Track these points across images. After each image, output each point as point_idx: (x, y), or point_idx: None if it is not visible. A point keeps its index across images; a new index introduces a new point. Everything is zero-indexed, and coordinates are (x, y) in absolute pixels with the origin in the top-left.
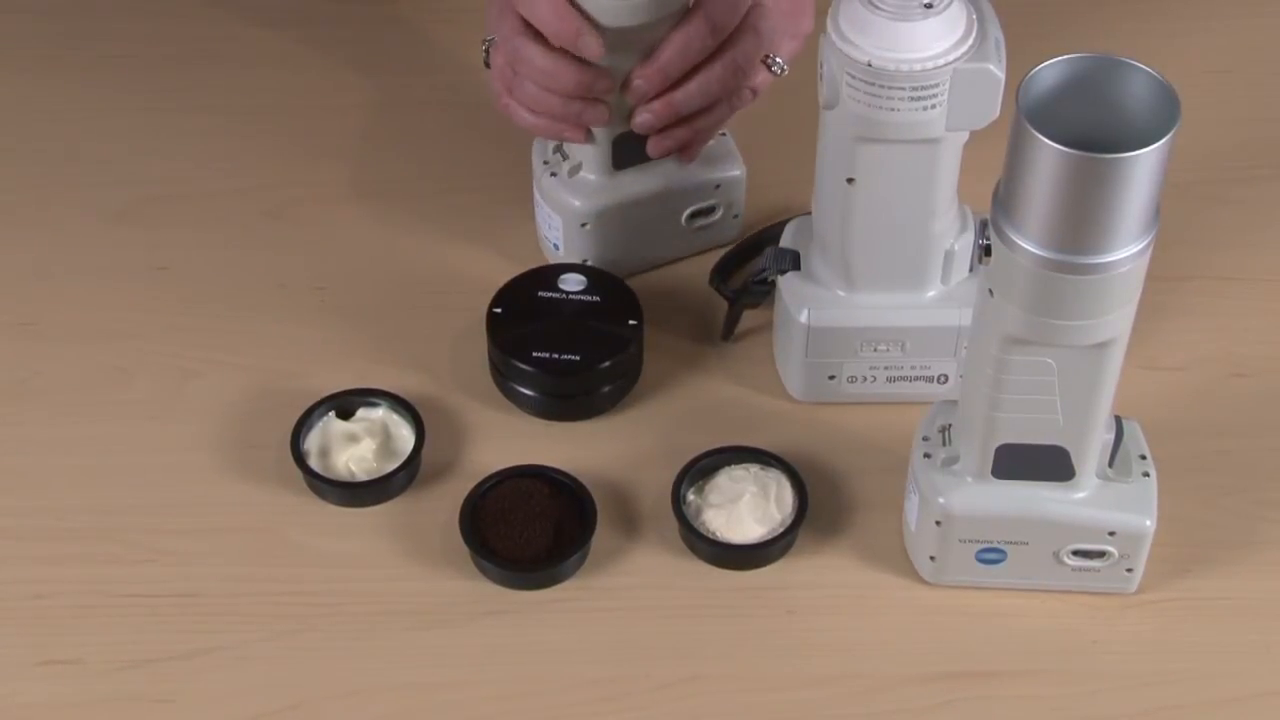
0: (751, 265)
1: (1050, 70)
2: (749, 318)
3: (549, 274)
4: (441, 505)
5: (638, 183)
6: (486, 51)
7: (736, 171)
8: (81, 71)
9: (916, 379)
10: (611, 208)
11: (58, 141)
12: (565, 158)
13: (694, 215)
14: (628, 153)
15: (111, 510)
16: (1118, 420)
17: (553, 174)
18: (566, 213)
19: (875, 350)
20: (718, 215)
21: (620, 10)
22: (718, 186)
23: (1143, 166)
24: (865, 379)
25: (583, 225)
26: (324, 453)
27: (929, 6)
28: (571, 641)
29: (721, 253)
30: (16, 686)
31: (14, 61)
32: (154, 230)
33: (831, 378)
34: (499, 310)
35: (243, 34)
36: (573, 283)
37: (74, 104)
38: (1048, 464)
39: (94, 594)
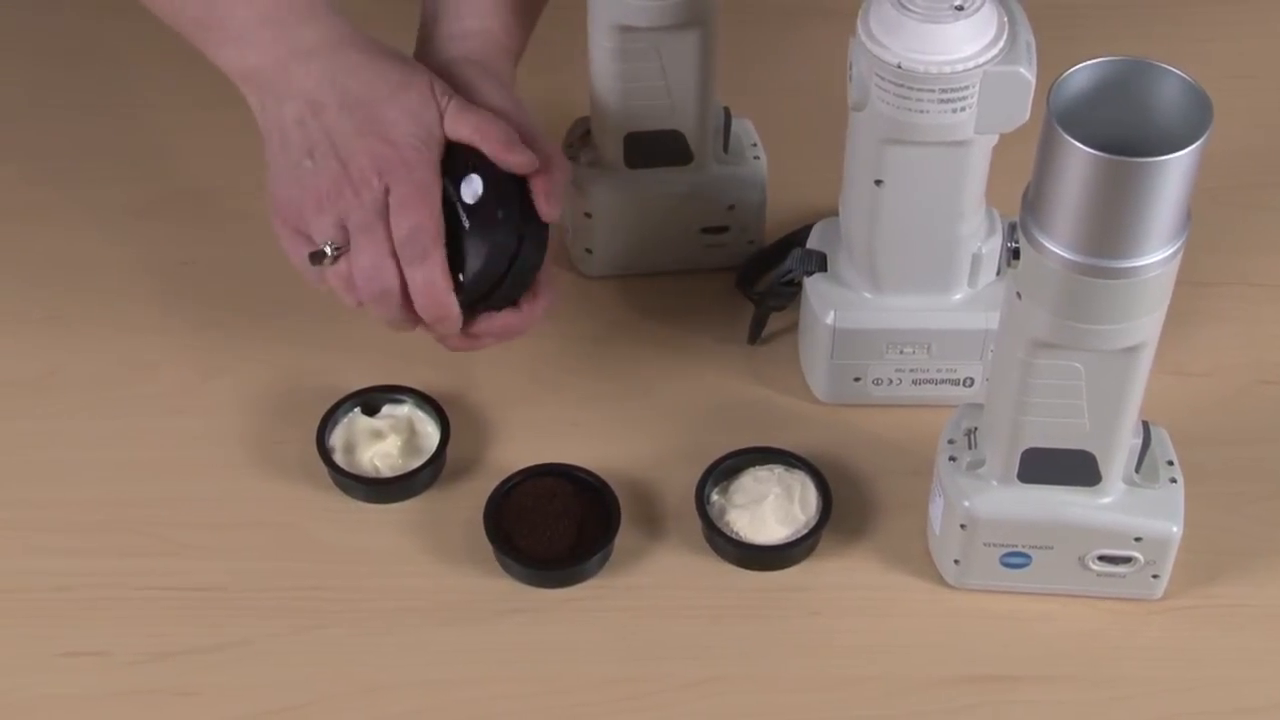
0: (778, 268)
1: (1081, 73)
2: (775, 319)
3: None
4: (465, 502)
5: (650, 185)
6: (326, 254)
7: (755, 197)
8: (110, 66)
9: (942, 382)
10: (616, 203)
11: (85, 136)
12: (587, 145)
13: (707, 231)
14: (642, 152)
15: (135, 503)
16: (1145, 426)
17: (572, 158)
18: (572, 199)
19: (901, 353)
20: (731, 236)
21: (649, 11)
22: (731, 207)
23: (1174, 171)
24: (891, 381)
25: (586, 215)
26: (349, 449)
27: (960, 9)
28: (594, 640)
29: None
30: (40, 677)
31: (42, 56)
32: (180, 225)
33: (857, 380)
34: None
35: None
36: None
37: (102, 98)
38: (1074, 469)
39: (117, 586)
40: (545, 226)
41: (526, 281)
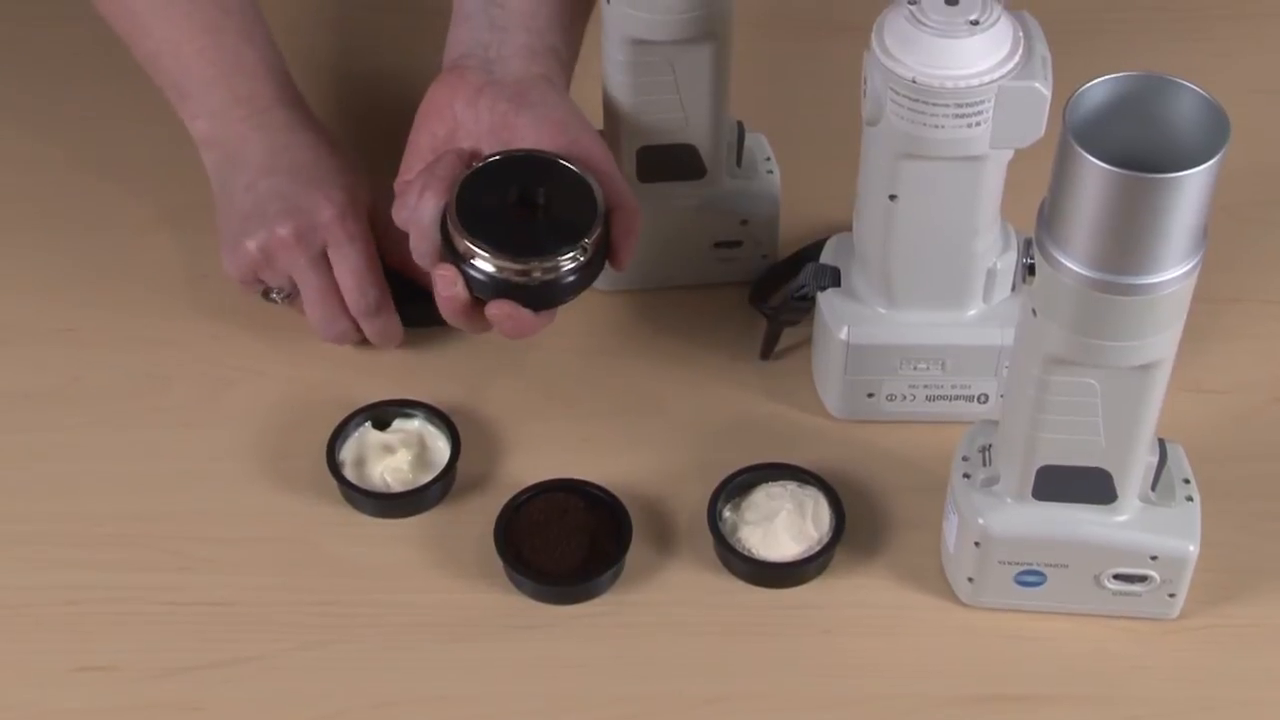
0: (791, 283)
1: (1098, 89)
2: (788, 334)
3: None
4: (476, 518)
5: (662, 199)
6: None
7: (768, 212)
8: (123, 78)
9: (956, 398)
10: None
11: (99, 147)
12: None
13: (719, 245)
14: (655, 166)
15: (147, 517)
16: (1161, 443)
17: None
18: None
19: (915, 369)
20: (744, 251)
21: (663, 26)
22: (744, 222)
23: (1191, 187)
24: (905, 397)
25: None
26: (359, 463)
27: (975, 23)
28: (605, 657)
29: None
30: (51, 692)
31: (54, 68)
32: (194, 237)
33: (870, 396)
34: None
35: (283, 42)
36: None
37: (116, 110)
38: (1089, 486)
39: (128, 601)
40: (604, 259)
41: (566, 296)
